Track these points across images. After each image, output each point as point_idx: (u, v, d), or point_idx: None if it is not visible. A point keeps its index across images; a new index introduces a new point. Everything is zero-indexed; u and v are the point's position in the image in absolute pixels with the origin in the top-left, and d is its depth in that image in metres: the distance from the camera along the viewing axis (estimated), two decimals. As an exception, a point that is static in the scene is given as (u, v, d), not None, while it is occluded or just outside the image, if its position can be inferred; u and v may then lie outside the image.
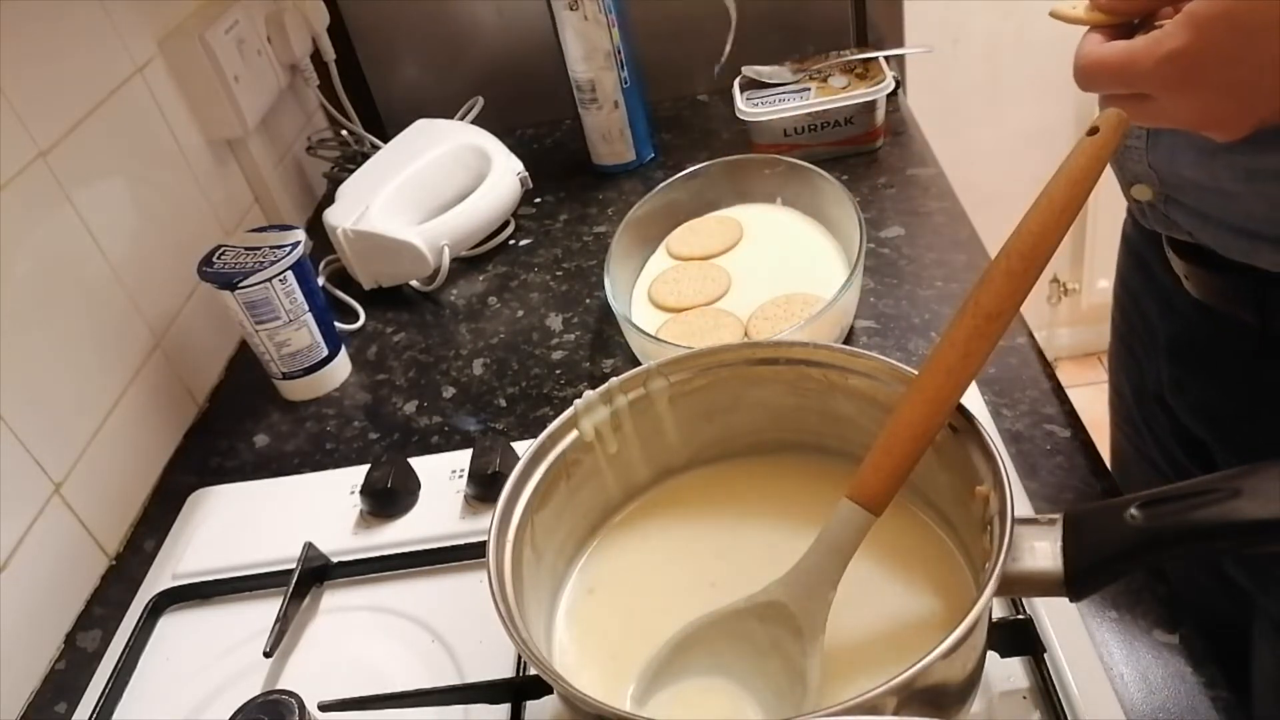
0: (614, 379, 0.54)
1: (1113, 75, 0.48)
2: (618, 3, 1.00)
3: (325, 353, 0.86)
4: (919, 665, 0.37)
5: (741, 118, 1.02)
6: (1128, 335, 0.79)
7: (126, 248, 0.82)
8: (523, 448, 0.55)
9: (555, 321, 0.90)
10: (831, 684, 0.46)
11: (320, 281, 0.96)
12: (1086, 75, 0.49)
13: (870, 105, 0.99)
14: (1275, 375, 0.61)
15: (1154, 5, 0.50)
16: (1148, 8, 0.50)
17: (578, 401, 0.53)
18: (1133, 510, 0.40)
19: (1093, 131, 0.45)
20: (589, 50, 1.02)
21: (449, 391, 0.84)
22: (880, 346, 0.77)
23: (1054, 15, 0.53)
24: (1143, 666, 0.52)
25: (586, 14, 0.99)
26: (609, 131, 1.08)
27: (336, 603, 0.65)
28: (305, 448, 0.82)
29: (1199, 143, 0.56)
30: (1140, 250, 0.74)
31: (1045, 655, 0.51)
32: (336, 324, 0.89)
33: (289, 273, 0.80)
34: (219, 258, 0.81)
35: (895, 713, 0.38)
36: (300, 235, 0.82)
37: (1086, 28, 0.51)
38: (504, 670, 0.56)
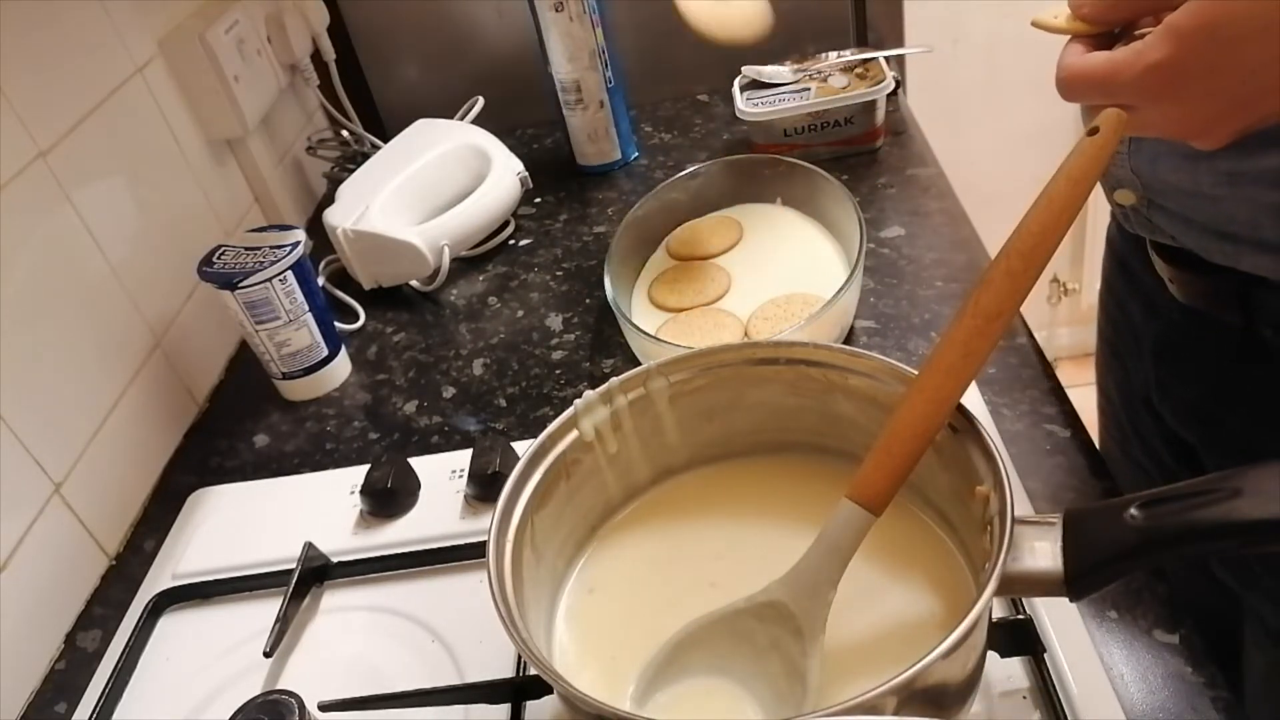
0: (614, 379, 0.54)
1: (1095, 87, 0.48)
2: (600, 2, 1.00)
3: (325, 353, 0.86)
4: (919, 665, 0.37)
5: (741, 118, 1.02)
6: (1113, 339, 0.79)
7: (126, 248, 0.82)
8: (523, 448, 0.55)
9: (555, 321, 0.90)
10: (831, 684, 0.46)
11: (320, 281, 0.96)
12: (1069, 86, 0.49)
13: (870, 105, 0.99)
14: (1260, 376, 0.61)
15: (1135, 15, 0.50)
16: (1129, 17, 0.50)
17: (578, 401, 0.53)
18: (1133, 510, 0.40)
19: (1093, 132, 0.45)
20: (574, 51, 1.02)
21: (449, 391, 0.84)
22: (880, 346, 0.77)
23: (1036, 25, 0.53)
24: (1143, 666, 0.52)
25: (571, 14, 1.00)
26: (595, 131, 1.08)
27: (336, 603, 0.65)
28: (305, 448, 0.82)
29: (1181, 148, 0.56)
30: (1124, 254, 0.74)
31: (1045, 655, 0.51)
32: (336, 324, 0.89)
33: (289, 273, 0.80)
34: (219, 258, 0.81)
35: (895, 713, 0.38)
36: (300, 235, 0.82)
37: (1068, 37, 0.51)
38: (504, 670, 0.56)
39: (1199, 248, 0.60)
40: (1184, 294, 0.64)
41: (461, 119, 1.11)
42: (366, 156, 1.09)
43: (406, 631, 0.61)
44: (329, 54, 1.15)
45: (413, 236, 0.94)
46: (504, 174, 1.00)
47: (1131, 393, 0.76)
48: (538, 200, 1.09)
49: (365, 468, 0.71)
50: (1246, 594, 0.69)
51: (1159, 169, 0.59)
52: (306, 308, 0.82)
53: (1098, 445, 0.67)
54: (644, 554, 0.55)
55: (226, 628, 0.64)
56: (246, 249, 0.81)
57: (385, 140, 1.09)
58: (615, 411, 0.54)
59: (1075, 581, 0.41)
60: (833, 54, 1.06)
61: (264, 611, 0.63)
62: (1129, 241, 0.71)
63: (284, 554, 0.66)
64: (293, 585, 0.62)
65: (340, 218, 0.96)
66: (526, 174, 1.01)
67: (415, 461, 0.72)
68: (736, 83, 1.06)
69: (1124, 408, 0.79)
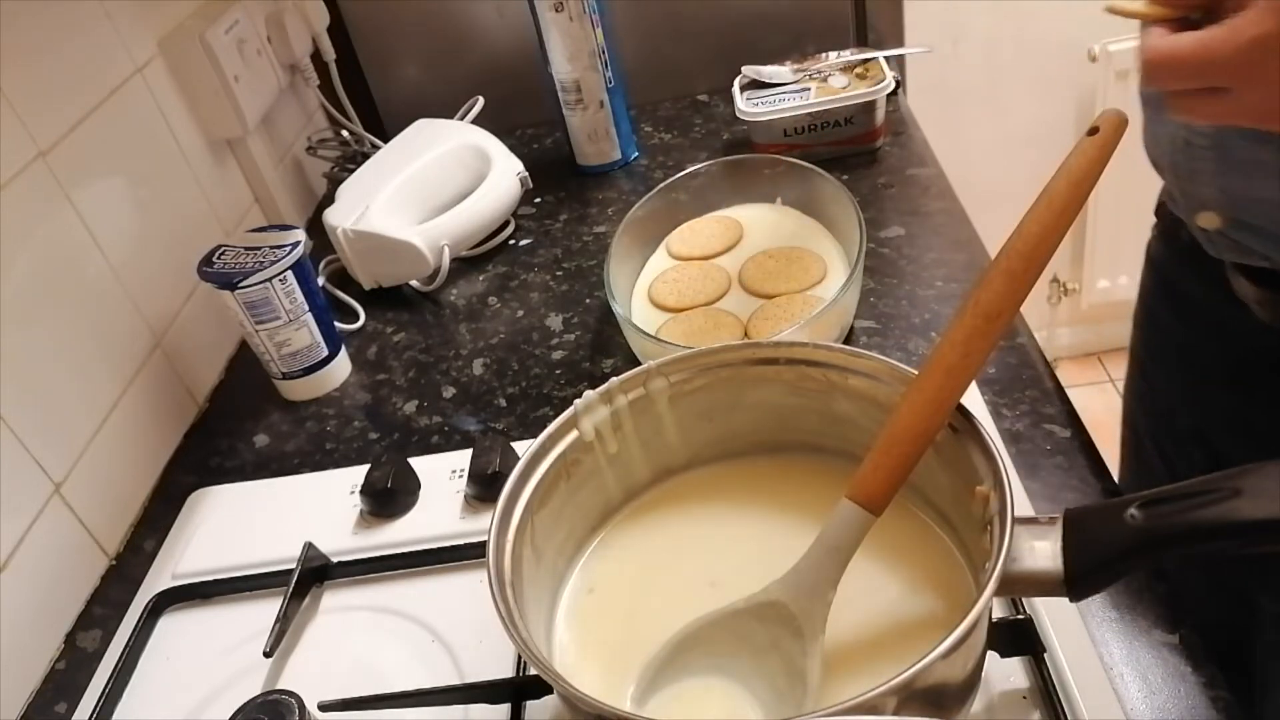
0: (614, 379, 0.54)
1: (1188, 69, 0.44)
2: (600, 2, 1.00)
3: (325, 353, 0.86)
4: (919, 665, 0.37)
5: (741, 118, 1.02)
6: (1149, 367, 0.75)
7: (126, 248, 0.82)
8: (523, 448, 0.55)
9: (555, 321, 0.90)
10: (831, 684, 0.46)
11: (320, 281, 0.96)
12: (1156, 68, 0.44)
13: (870, 105, 0.99)
14: None
15: None
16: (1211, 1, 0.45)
17: (578, 401, 0.53)
18: (1133, 510, 0.40)
19: (1093, 131, 0.45)
20: (574, 51, 1.02)
21: (449, 391, 0.84)
22: (880, 346, 0.77)
23: (1111, 10, 0.48)
24: (1143, 666, 0.52)
25: (571, 15, 1.00)
26: (595, 131, 1.08)
27: (336, 603, 0.65)
28: (305, 448, 0.82)
29: (1277, 163, 0.52)
30: (1172, 277, 0.70)
31: (1045, 655, 0.51)
32: (336, 324, 0.89)
33: (289, 273, 0.80)
34: (219, 258, 0.81)
35: (895, 713, 0.38)
36: (300, 235, 0.82)
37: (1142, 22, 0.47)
38: (504, 670, 0.56)
39: None
40: (1272, 316, 0.61)
41: (461, 119, 1.11)
42: (366, 156, 1.09)
43: (406, 631, 0.61)
44: (329, 54, 1.15)
45: (413, 236, 0.94)
46: (504, 174, 1.00)
47: (1174, 428, 0.73)
48: (538, 200, 1.09)
49: (365, 468, 0.71)
50: (1271, 604, 0.68)
51: (1254, 185, 0.56)
52: (306, 308, 0.82)
53: (1116, 479, 0.65)
54: (644, 554, 0.55)
55: (226, 628, 0.64)
56: (246, 249, 0.81)
57: (385, 140, 1.09)
58: (615, 411, 0.54)
59: (1075, 581, 0.41)
60: (833, 54, 1.06)
61: (264, 611, 0.63)
62: (1184, 264, 0.67)
63: (284, 554, 0.66)
64: (293, 585, 0.62)
65: (340, 218, 0.96)
66: (526, 174, 1.01)
67: (415, 461, 0.72)
68: (736, 83, 1.06)
69: (1153, 440, 0.76)
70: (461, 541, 0.65)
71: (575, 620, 0.52)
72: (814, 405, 0.54)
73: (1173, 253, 0.69)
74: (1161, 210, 0.74)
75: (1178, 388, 0.73)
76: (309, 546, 0.65)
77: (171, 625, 0.66)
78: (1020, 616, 0.52)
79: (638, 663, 0.48)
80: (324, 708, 0.53)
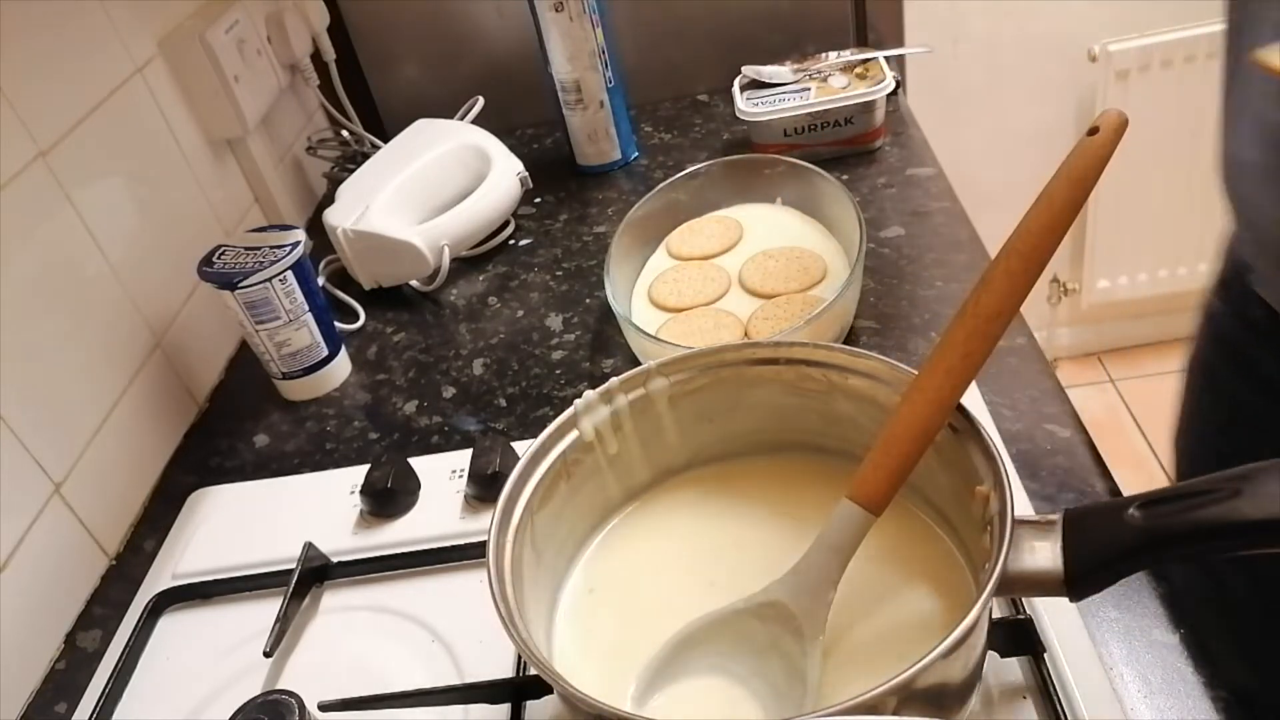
0: (614, 379, 0.54)
1: None
2: (600, 2, 1.01)
3: (325, 353, 0.86)
4: (919, 665, 0.37)
5: (741, 118, 1.02)
6: (1204, 421, 0.74)
7: (126, 248, 0.82)
8: (523, 448, 0.55)
9: (555, 321, 0.90)
10: (831, 684, 0.46)
11: (320, 281, 0.96)
12: None
13: (870, 105, 0.99)
14: None
15: None
16: None
17: (578, 401, 0.53)
18: (1133, 510, 0.40)
19: (1093, 131, 0.45)
20: (574, 51, 1.02)
21: (449, 391, 0.84)
22: (880, 346, 0.77)
23: (1256, 63, 0.46)
24: (1143, 666, 0.52)
25: (571, 15, 1.00)
26: (595, 131, 1.08)
27: (336, 603, 0.65)
28: (305, 448, 0.82)
29: None
30: (1236, 343, 0.68)
31: (1045, 655, 0.50)
32: (336, 324, 0.89)
33: (289, 273, 0.80)
34: (219, 258, 0.81)
35: (895, 713, 0.38)
36: (300, 235, 0.82)
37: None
38: (504, 670, 0.56)
39: None
40: None
41: (461, 119, 1.11)
42: (366, 156, 1.09)
43: (406, 631, 0.61)
44: (329, 54, 1.16)
45: (413, 236, 0.94)
46: (504, 174, 1.00)
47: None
48: (538, 200, 1.09)
49: (365, 468, 0.71)
50: (1271, 604, 0.68)
51: None
52: (306, 308, 0.82)
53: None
54: (644, 554, 0.55)
55: (226, 628, 0.65)
56: (246, 249, 0.81)
57: (385, 140, 1.09)
58: (615, 411, 0.54)
59: (1075, 582, 0.41)
60: (833, 54, 1.06)
61: (264, 611, 0.63)
62: (1248, 331, 0.65)
63: (284, 554, 0.66)
64: (293, 585, 0.62)
65: (340, 218, 0.96)
66: (526, 174, 1.01)
67: (415, 461, 0.72)
68: (736, 83, 1.06)
69: None
70: (461, 541, 0.65)
71: (575, 620, 0.52)
72: (814, 405, 0.54)
73: (1243, 327, 0.66)
74: (1229, 280, 0.70)
75: (1233, 445, 0.72)
76: (309, 546, 0.65)
77: (171, 625, 0.66)
78: (1020, 616, 0.52)
79: (638, 663, 0.48)
80: (324, 708, 0.53)
